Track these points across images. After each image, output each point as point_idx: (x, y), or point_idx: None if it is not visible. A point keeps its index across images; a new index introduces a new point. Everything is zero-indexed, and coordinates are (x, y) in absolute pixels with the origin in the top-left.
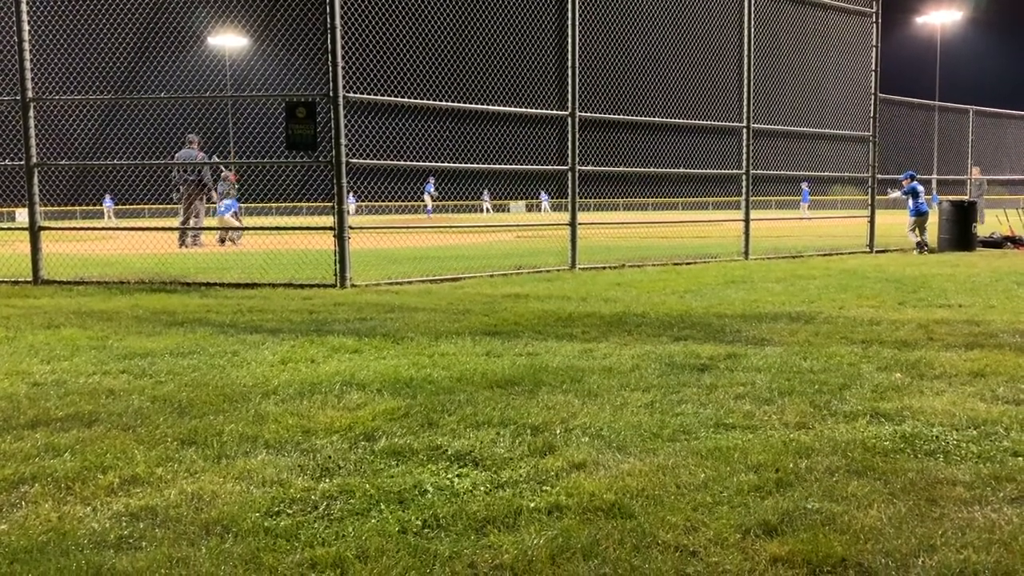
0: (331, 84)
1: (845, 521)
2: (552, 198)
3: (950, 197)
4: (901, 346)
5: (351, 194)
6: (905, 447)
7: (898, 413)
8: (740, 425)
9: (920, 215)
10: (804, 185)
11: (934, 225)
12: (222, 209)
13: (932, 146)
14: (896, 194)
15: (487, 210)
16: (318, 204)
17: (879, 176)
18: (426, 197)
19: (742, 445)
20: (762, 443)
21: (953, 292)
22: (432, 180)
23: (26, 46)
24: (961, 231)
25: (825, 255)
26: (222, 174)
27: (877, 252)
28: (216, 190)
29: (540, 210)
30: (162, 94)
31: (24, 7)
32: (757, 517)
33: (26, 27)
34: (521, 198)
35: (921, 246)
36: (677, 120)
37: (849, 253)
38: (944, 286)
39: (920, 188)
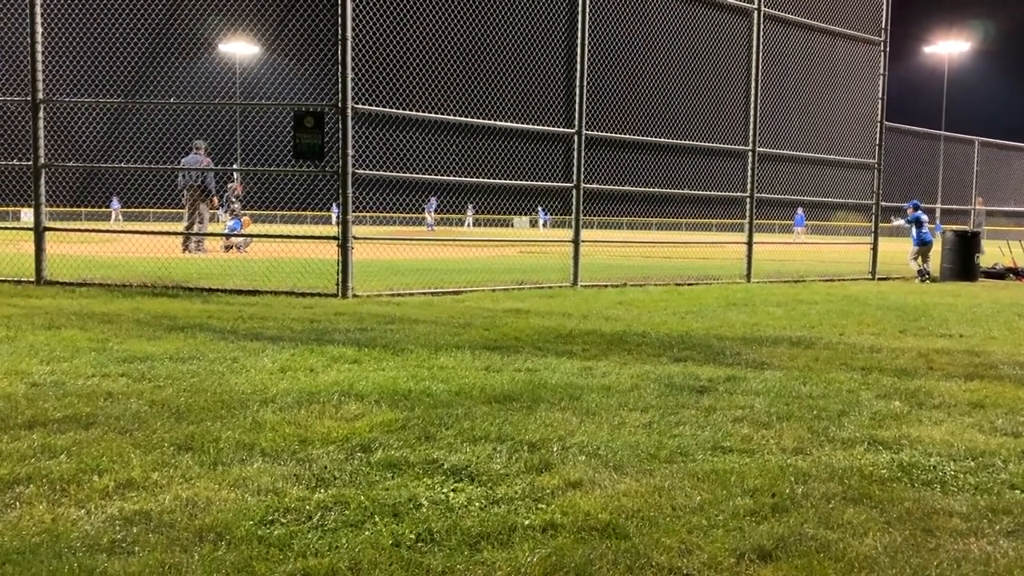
0: (340, 95)
1: (840, 549)
2: (555, 215)
3: (953, 227)
4: (901, 374)
5: (335, 204)
6: (902, 476)
7: (896, 441)
8: (737, 448)
9: (923, 244)
10: (799, 210)
11: (937, 254)
12: (226, 230)
13: (937, 175)
14: (900, 222)
15: (469, 224)
16: (323, 213)
17: (883, 204)
18: (427, 215)
19: (739, 469)
20: (759, 467)
21: (954, 322)
22: (434, 201)
23: (39, 48)
24: (964, 261)
25: (827, 280)
26: (228, 185)
27: (879, 279)
28: (221, 199)
29: (537, 226)
30: (171, 99)
31: (39, 8)
32: (752, 542)
33: (39, 29)
34: (524, 213)
35: (923, 275)
36: (683, 141)
37: (851, 279)
38: (945, 315)
39: (924, 217)
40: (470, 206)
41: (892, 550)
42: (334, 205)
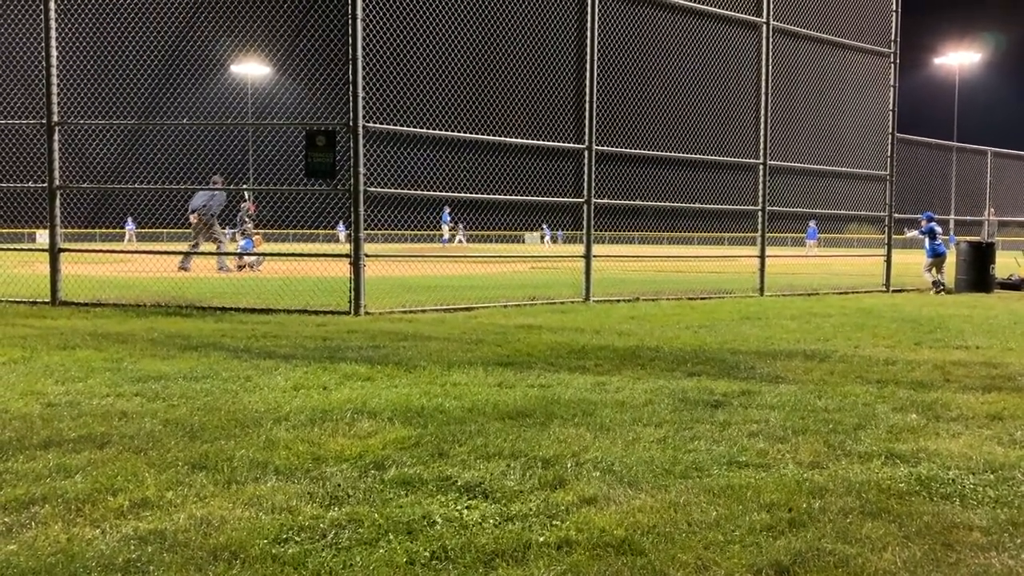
0: (351, 114)
1: (859, 563)
2: (566, 230)
3: (968, 238)
4: (917, 387)
5: (341, 222)
6: (920, 489)
7: (913, 455)
8: (753, 463)
9: (937, 256)
10: (811, 223)
11: (951, 266)
12: (238, 250)
13: (950, 187)
14: (913, 233)
15: (461, 241)
16: (335, 231)
17: (896, 215)
18: (444, 227)
19: (755, 483)
20: (775, 482)
21: (970, 333)
22: (447, 209)
23: (54, 71)
24: (978, 272)
25: (841, 293)
26: (242, 205)
27: (893, 291)
28: (234, 220)
29: (545, 242)
30: (184, 120)
31: (53, 32)
32: (769, 557)
33: (54, 52)
34: (535, 229)
35: (938, 286)
36: (694, 155)
37: (865, 292)
38: (961, 327)
39: (938, 229)
40: (460, 224)
41: (912, 565)
42: (340, 223)
